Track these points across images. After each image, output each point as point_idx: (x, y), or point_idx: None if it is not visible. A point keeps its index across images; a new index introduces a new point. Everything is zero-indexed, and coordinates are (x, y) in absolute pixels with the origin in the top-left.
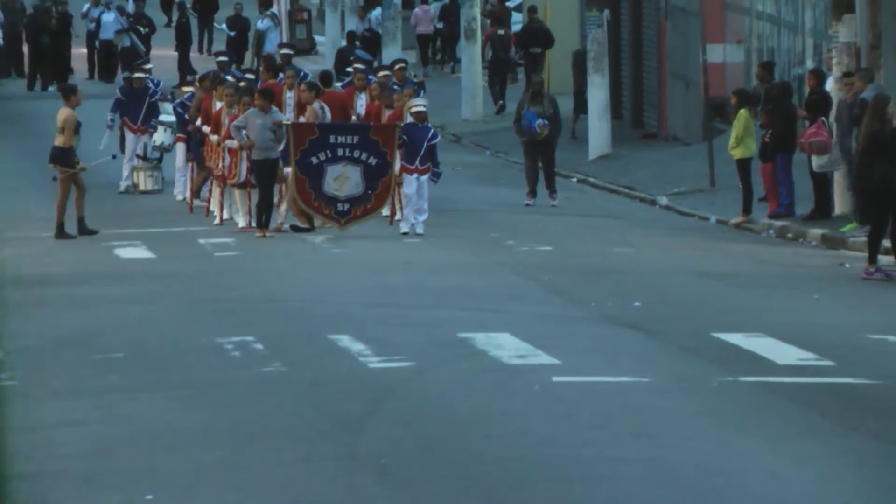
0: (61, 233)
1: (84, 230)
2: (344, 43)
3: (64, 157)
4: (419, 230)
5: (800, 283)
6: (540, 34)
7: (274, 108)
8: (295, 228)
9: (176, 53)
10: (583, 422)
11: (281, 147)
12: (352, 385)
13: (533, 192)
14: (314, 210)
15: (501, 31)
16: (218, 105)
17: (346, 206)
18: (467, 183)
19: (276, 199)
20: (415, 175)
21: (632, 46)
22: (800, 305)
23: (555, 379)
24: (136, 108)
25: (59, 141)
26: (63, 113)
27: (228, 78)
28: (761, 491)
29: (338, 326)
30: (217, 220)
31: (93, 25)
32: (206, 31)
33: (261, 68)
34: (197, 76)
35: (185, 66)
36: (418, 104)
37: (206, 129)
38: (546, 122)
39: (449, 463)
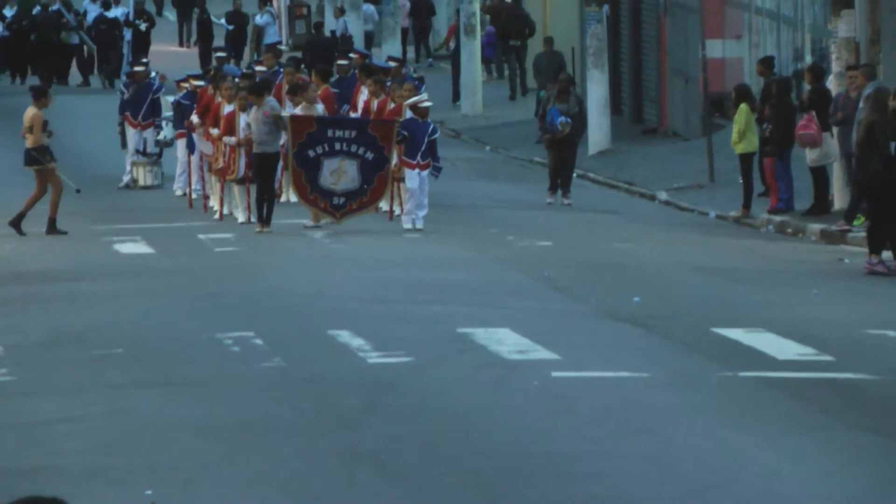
0: (52, 228)
1: (52, 230)
2: (313, 32)
3: (36, 158)
4: (419, 225)
5: (799, 279)
6: (518, 24)
7: (268, 98)
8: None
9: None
10: (582, 417)
11: (283, 141)
12: (351, 380)
13: (553, 189)
14: (310, 203)
15: None
16: (219, 99)
17: (342, 200)
18: (467, 178)
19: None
20: (416, 170)
21: (631, 42)
22: (799, 300)
23: (554, 374)
24: (138, 103)
25: (29, 142)
26: (30, 112)
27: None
28: (761, 486)
29: (337, 322)
30: (217, 216)
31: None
32: (184, 25)
33: (257, 67)
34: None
35: (207, 61)
36: (423, 99)
37: (214, 131)
38: (568, 120)
39: (448, 458)
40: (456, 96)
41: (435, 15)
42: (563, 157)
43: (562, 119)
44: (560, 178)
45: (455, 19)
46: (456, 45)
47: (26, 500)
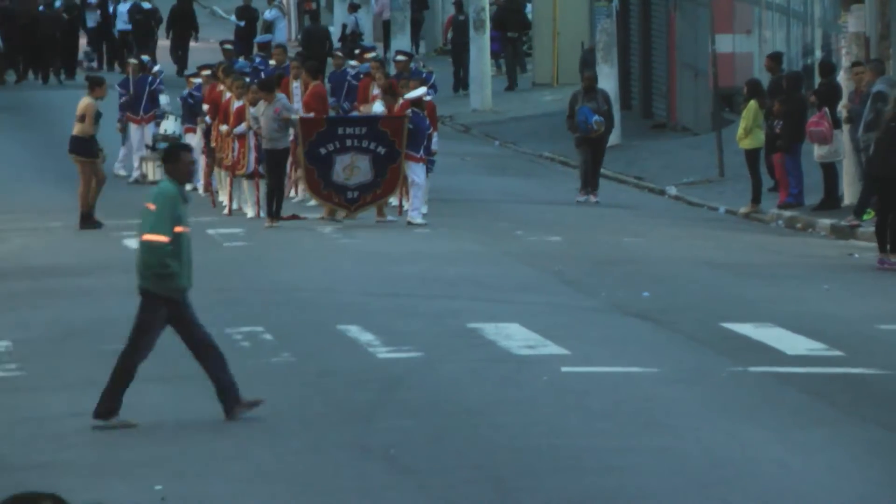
0: (86, 222)
1: (91, 222)
2: (308, 24)
3: (84, 147)
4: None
5: (809, 273)
6: (515, 17)
7: (279, 95)
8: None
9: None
10: (592, 412)
11: (291, 136)
12: (361, 375)
13: (585, 189)
14: (324, 199)
15: (461, 17)
16: (227, 95)
17: (356, 194)
18: (476, 173)
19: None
20: (421, 164)
21: (641, 36)
22: (809, 295)
23: (564, 369)
24: (136, 99)
25: (77, 130)
26: (84, 101)
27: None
28: (770, 481)
29: (347, 317)
30: (226, 211)
31: (99, 16)
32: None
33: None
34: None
35: (182, 60)
36: (423, 94)
37: (223, 128)
38: (602, 119)
39: (458, 453)
40: (457, 87)
41: (428, 9)
42: (594, 156)
43: (596, 118)
44: (590, 176)
45: (452, 12)
46: (454, 37)
47: (22, 497)
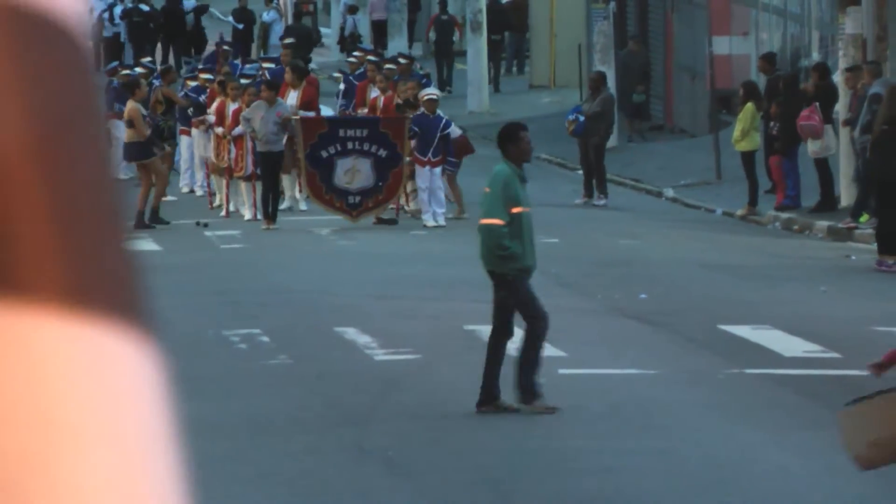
0: (140, 222)
1: (156, 220)
2: (291, 23)
3: (140, 151)
4: (441, 221)
5: (806, 275)
6: (502, 19)
7: (280, 99)
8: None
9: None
10: (589, 414)
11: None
12: (358, 377)
13: (586, 192)
14: (325, 203)
15: (445, 17)
16: (221, 98)
17: (358, 199)
18: (473, 175)
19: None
20: (427, 167)
21: (638, 38)
22: (806, 297)
23: (561, 371)
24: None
25: (127, 136)
26: (128, 106)
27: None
28: (768, 483)
29: (344, 319)
30: (223, 213)
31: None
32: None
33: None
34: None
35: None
36: (429, 93)
37: (219, 129)
38: (577, 117)
39: (456, 455)
40: (441, 87)
41: (420, 10)
42: (590, 157)
43: (569, 117)
44: (594, 178)
45: (436, 11)
46: (437, 37)
47: None
